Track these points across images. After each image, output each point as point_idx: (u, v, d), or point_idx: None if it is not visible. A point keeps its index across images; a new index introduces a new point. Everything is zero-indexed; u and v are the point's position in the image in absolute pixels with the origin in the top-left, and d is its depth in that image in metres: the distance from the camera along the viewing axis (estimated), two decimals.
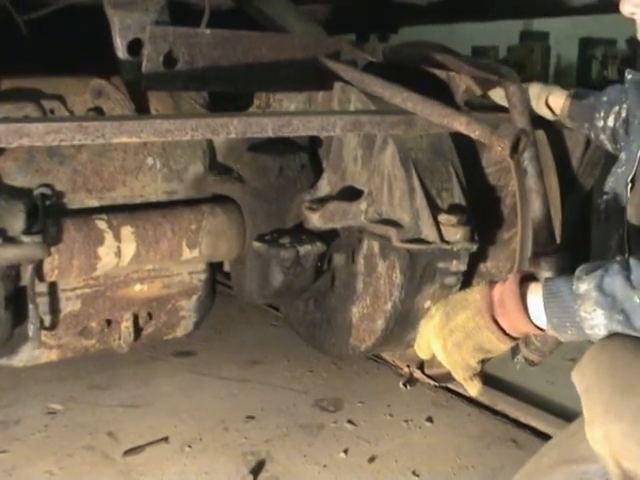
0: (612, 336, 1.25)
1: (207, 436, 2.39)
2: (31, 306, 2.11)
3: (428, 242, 2.15)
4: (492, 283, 1.38)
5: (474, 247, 2.19)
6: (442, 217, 2.14)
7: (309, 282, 2.45)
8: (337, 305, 2.54)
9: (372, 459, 2.28)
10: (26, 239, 2.00)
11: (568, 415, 2.32)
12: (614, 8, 1.55)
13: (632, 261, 1.24)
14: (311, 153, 2.55)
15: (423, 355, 1.48)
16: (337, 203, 2.35)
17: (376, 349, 2.57)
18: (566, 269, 1.61)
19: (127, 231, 2.22)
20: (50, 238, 2.07)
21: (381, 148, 2.24)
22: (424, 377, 2.74)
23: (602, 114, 1.93)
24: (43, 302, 2.20)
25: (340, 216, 2.34)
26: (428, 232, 2.14)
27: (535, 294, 1.31)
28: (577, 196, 2.53)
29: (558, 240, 2.01)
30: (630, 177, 1.59)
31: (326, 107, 2.38)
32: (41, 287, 2.18)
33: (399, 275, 2.26)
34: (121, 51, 2.04)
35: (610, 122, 1.90)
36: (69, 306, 2.27)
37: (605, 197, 1.69)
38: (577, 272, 1.28)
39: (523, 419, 2.50)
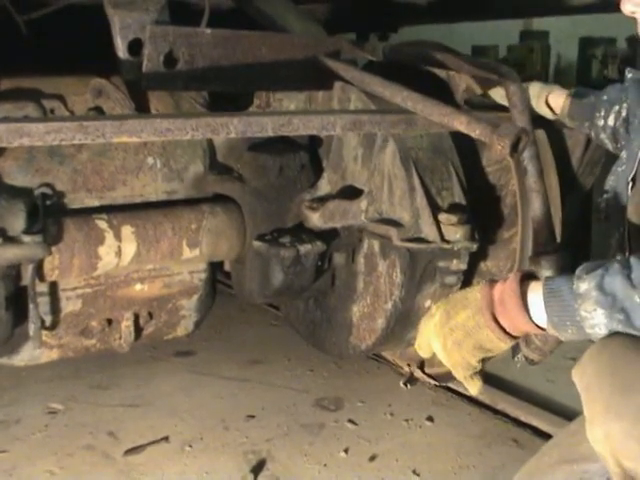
0: (612, 335, 1.25)
1: (208, 435, 2.39)
2: (32, 306, 2.11)
3: (428, 241, 2.15)
4: (492, 282, 1.38)
5: (474, 246, 2.19)
6: (442, 216, 2.15)
7: (309, 281, 2.45)
8: (337, 304, 2.54)
9: (373, 458, 2.29)
10: (26, 239, 2.00)
11: (568, 414, 2.32)
12: (614, 7, 1.55)
13: (632, 260, 1.24)
14: (311, 152, 2.54)
15: (423, 354, 1.48)
16: (337, 202, 2.35)
17: (376, 348, 2.57)
18: (566, 268, 1.61)
19: (127, 231, 2.22)
20: (50, 238, 2.07)
21: (381, 147, 2.24)
22: (424, 376, 2.74)
23: (602, 113, 1.93)
24: (44, 302, 2.20)
25: (340, 215, 2.34)
26: (428, 231, 2.14)
27: (535, 293, 1.31)
28: (577, 195, 2.53)
29: (558, 239, 2.01)
30: (631, 176, 1.60)
31: (326, 106, 2.38)
32: (42, 287, 2.18)
33: (399, 274, 2.26)
34: (121, 51, 2.04)
35: (610, 121, 1.90)
36: (70, 306, 2.27)
37: (605, 196, 1.69)
38: (577, 271, 1.28)
39: (524, 418, 2.50)
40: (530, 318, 1.31)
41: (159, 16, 2.07)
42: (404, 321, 2.35)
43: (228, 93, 2.44)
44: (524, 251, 2.36)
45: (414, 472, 2.22)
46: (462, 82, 2.30)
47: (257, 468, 2.21)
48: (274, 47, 2.14)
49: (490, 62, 2.28)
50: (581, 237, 2.51)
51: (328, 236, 2.41)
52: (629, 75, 1.81)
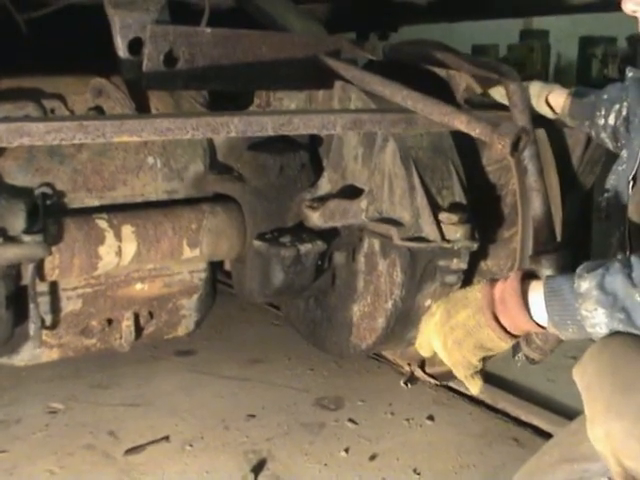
0: (613, 334, 1.25)
1: (208, 435, 2.39)
2: (32, 305, 2.11)
3: (429, 240, 2.15)
4: (493, 281, 1.38)
5: (475, 245, 2.19)
6: (443, 215, 2.14)
7: (310, 281, 2.45)
8: (338, 303, 2.54)
9: (373, 457, 2.29)
10: (27, 238, 2.00)
11: (569, 413, 2.32)
12: (614, 6, 1.55)
13: (633, 259, 1.24)
14: (311, 152, 2.54)
15: (424, 353, 1.48)
16: (337, 202, 2.35)
17: (377, 347, 2.57)
18: (567, 267, 1.60)
19: (128, 230, 2.22)
20: (51, 237, 2.07)
21: (381, 146, 2.24)
22: (425, 375, 2.74)
23: (603, 112, 1.93)
24: (44, 301, 2.20)
25: (340, 215, 2.34)
26: (429, 230, 2.14)
27: (536, 292, 1.31)
28: (578, 194, 2.52)
29: (559, 238, 2.01)
30: (631, 175, 1.60)
31: (326, 106, 2.38)
32: (42, 286, 2.18)
33: (400, 273, 2.26)
34: (122, 50, 2.04)
35: (611, 120, 1.90)
36: (70, 305, 2.27)
37: (606, 195, 1.69)
38: (578, 270, 1.28)
39: (524, 417, 2.50)
40: (531, 317, 1.31)
41: (159, 16, 2.08)
42: (404, 320, 2.34)
43: (228, 92, 2.44)
44: (524, 250, 2.36)
45: (415, 471, 2.22)
46: (462, 81, 2.30)
47: (257, 467, 2.21)
48: (274, 46, 2.14)
49: (490, 61, 2.28)
50: (582, 236, 2.51)
51: (328, 235, 2.41)
52: (629, 74, 1.81)
